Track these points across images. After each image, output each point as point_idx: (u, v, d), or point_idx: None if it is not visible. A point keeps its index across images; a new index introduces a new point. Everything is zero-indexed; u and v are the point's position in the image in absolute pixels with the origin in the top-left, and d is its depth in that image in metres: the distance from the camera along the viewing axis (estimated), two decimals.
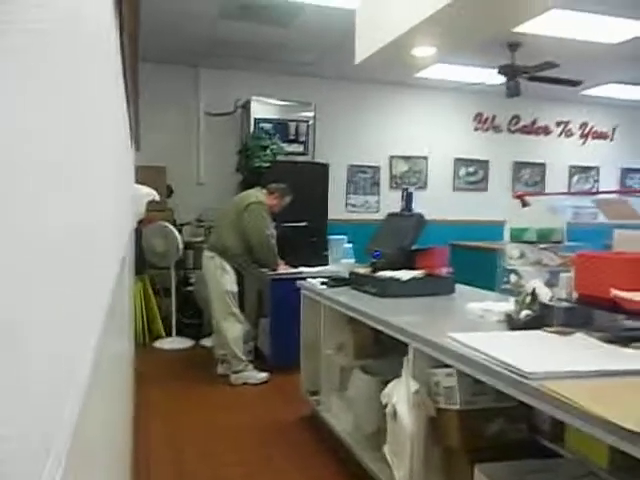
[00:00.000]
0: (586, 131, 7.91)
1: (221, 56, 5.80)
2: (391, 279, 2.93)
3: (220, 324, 4.24)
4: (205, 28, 4.97)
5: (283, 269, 4.40)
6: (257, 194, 4.37)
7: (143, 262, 5.26)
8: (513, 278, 2.40)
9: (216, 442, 3.21)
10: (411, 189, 3.46)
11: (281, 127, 5.87)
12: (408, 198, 3.50)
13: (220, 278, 4.21)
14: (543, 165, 7.77)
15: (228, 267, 4.24)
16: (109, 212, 1.04)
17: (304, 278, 3.71)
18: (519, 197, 2.81)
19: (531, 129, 7.68)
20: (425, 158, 7.21)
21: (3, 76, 0.35)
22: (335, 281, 3.31)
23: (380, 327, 2.44)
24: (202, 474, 2.85)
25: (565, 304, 2.06)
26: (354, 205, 6.96)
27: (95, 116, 0.76)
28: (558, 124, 7.79)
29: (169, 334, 5.32)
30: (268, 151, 5.33)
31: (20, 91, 0.40)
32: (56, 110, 0.52)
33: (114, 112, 1.10)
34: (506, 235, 2.50)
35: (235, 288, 4.29)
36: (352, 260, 3.58)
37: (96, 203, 0.84)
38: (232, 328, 4.20)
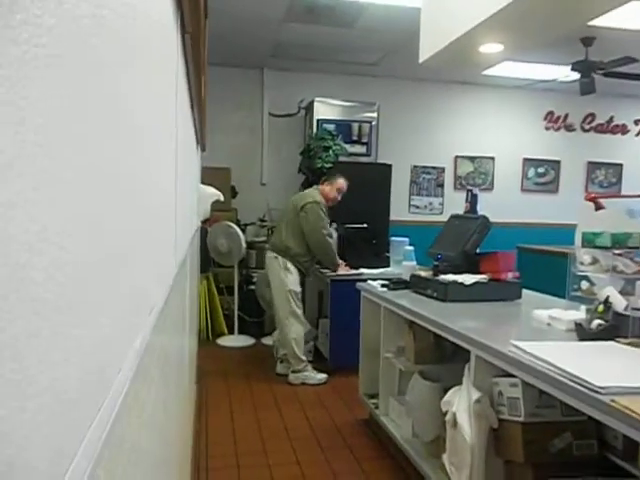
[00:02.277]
0: None
1: (285, 58, 5.85)
2: (454, 283, 2.85)
3: (282, 323, 4.28)
4: (270, 31, 5.03)
5: (343, 270, 4.39)
6: (313, 193, 4.38)
7: (208, 260, 5.38)
8: (584, 285, 2.28)
9: (272, 441, 3.23)
10: (476, 190, 3.35)
11: (344, 128, 5.86)
12: (473, 200, 3.39)
13: (284, 277, 4.25)
14: (620, 166, 7.36)
15: (291, 267, 4.27)
16: (168, 216, 1.05)
17: (364, 280, 3.68)
18: (592, 199, 2.66)
19: (607, 128, 7.30)
20: (492, 158, 7.00)
21: (49, 78, 0.35)
22: (396, 284, 3.26)
23: (441, 332, 2.38)
24: (258, 472, 2.88)
25: None
26: (417, 207, 6.85)
27: (148, 119, 0.77)
28: (636, 122, 7.36)
29: (231, 332, 5.42)
30: (330, 152, 5.33)
31: (72, 94, 0.40)
32: (102, 112, 0.52)
33: (172, 114, 1.11)
34: (577, 239, 2.37)
35: (298, 288, 4.31)
36: (413, 262, 3.50)
37: (154, 209, 0.85)
38: (293, 328, 4.23)
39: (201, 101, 2.31)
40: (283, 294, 4.26)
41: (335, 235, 4.78)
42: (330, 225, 4.47)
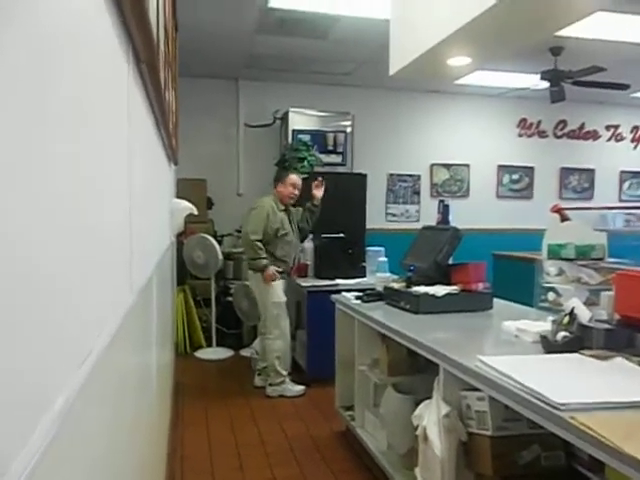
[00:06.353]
0: (637, 135, 7.59)
1: (260, 69, 5.86)
2: (425, 295, 2.86)
3: (264, 337, 4.27)
4: (243, 43, 5.03)
5: (271, 272, 4.18)
6: (261, 201, 4.37)
7: (184, 273, 5.34)
8: (551, 296, 2.30)
9: (249, 455, 3.21)
10: (447, 201, 3.38)
11: (319, 138, 5.87)
12: (445, 210, 3.42)
13: (263, 291, 4.22)
14: (592, 171, 7.49)
15: None
16: (120, 250, 1.04)
17: (340, 291, 3.67)
18: (557, 211, 2.70)
19: (579, 134, 7.42)
20: (467, 166, 7.07)
21: None
22: (369, 296, 3.26)
23: (412, 346, 2.39)
24: None
25: (605, 326, 1.96)
26: (394, 214, 6.88)
27: (81, 149, 0.77)
28: (607, 128, 7.50)
29: (210, 344, 5.38)
30: (305, 162, 5.33)
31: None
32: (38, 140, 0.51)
33: (122, 141, 1.11)
34: (544, 251, 2.40)
35: (282, 298, 4.26)
36: (387, 274, 3.52)
37: (97, 249, 0.84)
38: (277, 342, 4.20)
39: (167, 119, 2.30)
40: (266, 308, 4.24)
41: (311, 245, 4.79)
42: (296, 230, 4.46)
